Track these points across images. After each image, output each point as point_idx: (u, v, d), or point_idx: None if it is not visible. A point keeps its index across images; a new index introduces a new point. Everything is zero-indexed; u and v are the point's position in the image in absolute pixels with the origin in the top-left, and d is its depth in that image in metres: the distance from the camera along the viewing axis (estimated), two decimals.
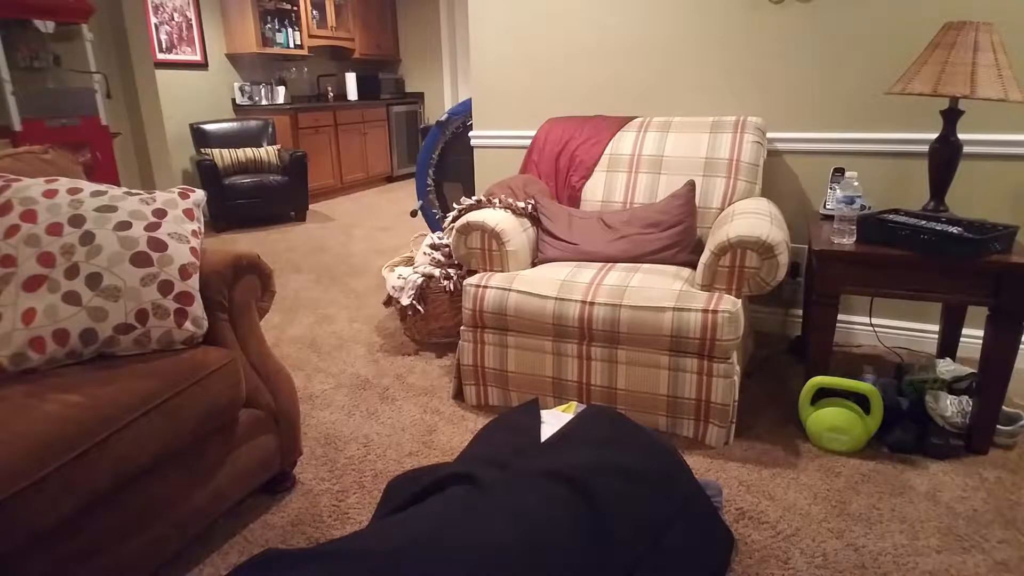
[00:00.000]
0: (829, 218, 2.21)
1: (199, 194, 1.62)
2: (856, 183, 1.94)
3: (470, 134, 3.11)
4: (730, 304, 1.81)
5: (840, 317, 2.58)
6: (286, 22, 6.09)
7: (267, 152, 5.27)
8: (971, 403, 1.89)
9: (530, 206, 2.32)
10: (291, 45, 6.17)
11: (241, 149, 5.19)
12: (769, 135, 2.55)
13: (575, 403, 1.64)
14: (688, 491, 1.35)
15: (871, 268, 1.85)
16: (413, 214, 3.88)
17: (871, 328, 2.62)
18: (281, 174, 5.23)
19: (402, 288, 2.60)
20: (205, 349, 1.48)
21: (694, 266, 2.07)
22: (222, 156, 5.06)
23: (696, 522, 1.32)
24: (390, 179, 7.40)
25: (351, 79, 6.84)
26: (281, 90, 6.11)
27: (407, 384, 2.38)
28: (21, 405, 1.19)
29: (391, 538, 1.01)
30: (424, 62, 7.55)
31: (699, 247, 2.14)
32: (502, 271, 2.14)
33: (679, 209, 2.20)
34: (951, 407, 1.89)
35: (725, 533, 1.43)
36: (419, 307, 2.57)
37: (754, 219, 1.90)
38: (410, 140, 7.45)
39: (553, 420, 1.50)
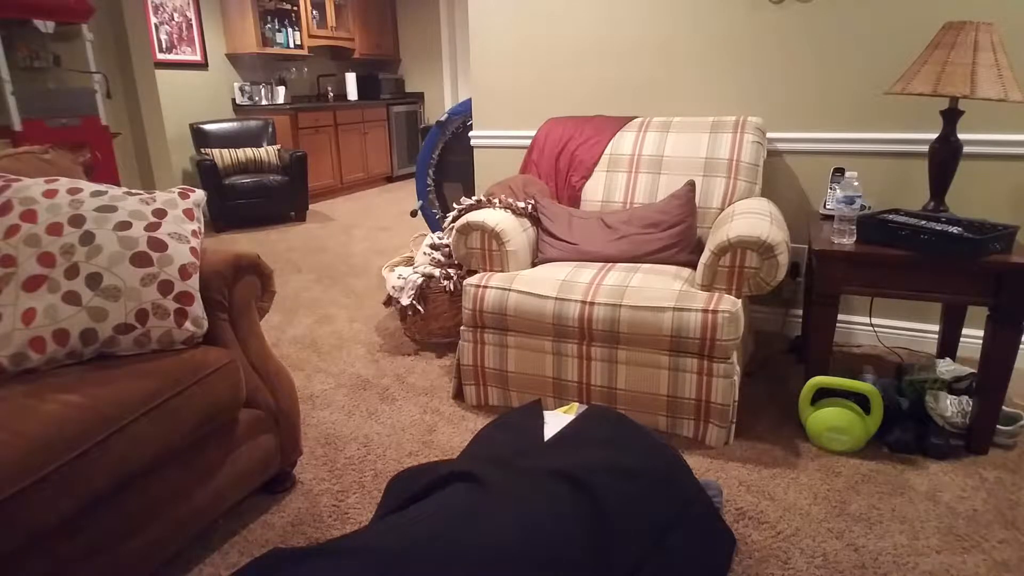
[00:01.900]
0: (829, 218, 2.22)
1: (199, 194, 1.62)
2: (856, 183, 1.94)
3: (470, 134, 3.11)
4: (730, 304, 1.81)
5: (840, 317, 2.58)
6: (286, 22, 6.09)
7: (267, 152, 5.28)
8: (971, 403, 1.89)
9: (530, 206, 2.32)
10: (291, 45, 6.17)
11: (241, 149, 5.19)
12: (769, 135, 2.55)
13: (576, 404, 1.64)
14: (689, 492, 1.35)
15: (871, 268, 1.85)
16: (413, 214, 3.88)
17: (871, 328, 2.62)
18: (281, 174, 5.23)
19: (402, 288, 2.60)
20: (205, 349, 1.48)
21: (694, 266, 2.07)
22: (222, 156, 5.06)
23: (697, 523, 1.32)
24: (390, 179, 7.40)
25: (351, 79, 6.85)
26: (281, 90, 6.12)
27: (407, 384, 2.38)
28: (21, 405, 1.19)
29: (396, 537, 1.01)
30: (424, 62, 7.55)
31: (699, 247, 2.14)
32: (502, 271, 2.14)
33: (679, 209, 2.20)
34: (951, 407, 1.89)
35: (726, 533, 1.43)
36: (419, 307, 2.57)
37: (754, 219, 1.90)
38: (410, 140, 7.45)
39: (554, 421, 1.50)
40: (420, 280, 2.58)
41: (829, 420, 1.87)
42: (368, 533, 1.05)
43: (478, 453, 1.44)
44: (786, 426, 2.03)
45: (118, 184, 3.18)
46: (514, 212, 2.25)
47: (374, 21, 7.13)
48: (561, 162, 2.56)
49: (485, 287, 2.06)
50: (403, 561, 0.95)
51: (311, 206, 5.96)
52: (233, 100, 5.90)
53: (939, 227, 1.79)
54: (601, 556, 1.09)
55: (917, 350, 2.54)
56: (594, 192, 2.49)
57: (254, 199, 5.09)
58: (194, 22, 5.39)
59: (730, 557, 1.43)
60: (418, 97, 7.63)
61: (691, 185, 2.25)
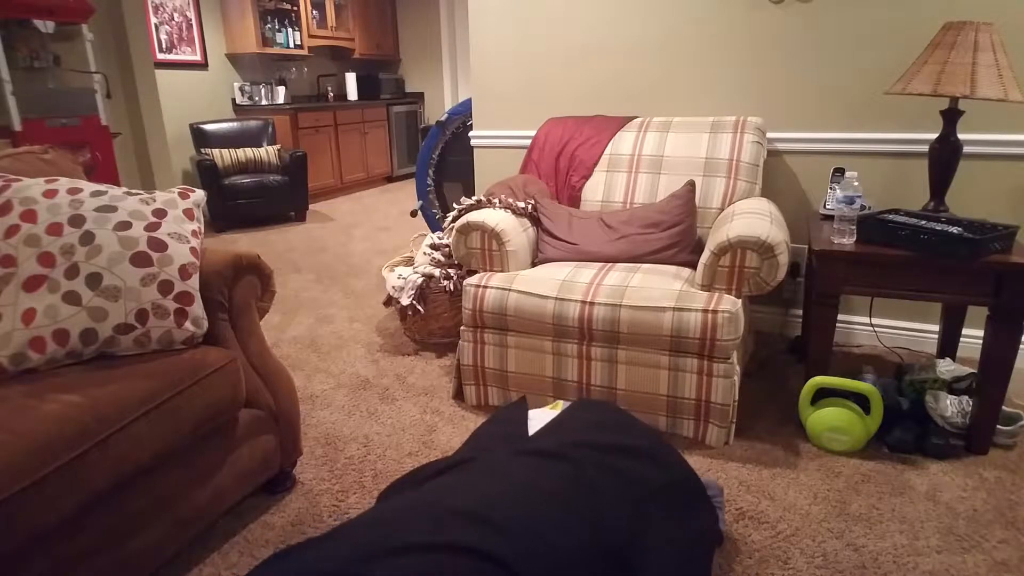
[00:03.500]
0: (829, 218, 2.21)
1: (199, 194, 1.62)
2: (856, 183, 1.94)
3: (470, 134, 3.11)
4: (730, 304, 1.81)
5: (840, 317, 2.58)
6: (286, 22, 6.09)
7: (267, 152, 5.28)
8: (971, 403, 1.89)
9: (530, 206, 2.32)
10: (291, 45, 6.17)
11: (241, 149, 5.19)
12: (769, 135, 2.55)
13: (561, 402, 1.64)
14: (673, 469, 1.35)
15: (871, 268, 1.85)
16: (413, 214, 3.88)
17: (871, 328, 2.62)
18: (281, 174, 5.23)
19: (402, 288, 2.60)
20: (205, 349, 1.48)
21: (694, 266, 2.07)
22: (222, 156, 5.07)
23: (681, 497, 1.31)
24: (390, 179, 7.40)
25: (351, 79, 6.85)
26: (281, 90, 6.11)
27: (407, 384, 2.38)
28: (21, 405, 1.19)
29: (385, 511, 1.03)
30: (424, 62, 7.55)
31: (699, 247, 2.14)
32: (502, 271, 2.14)
33: (679, 209, 2.20)
34: (951, 407, 1.89)
35: (710, 514, 1.40)
36: (419, 307, 2.57)
37: (754, 219, 1.90)
38: (410, 140, 7.45)
39: (539, 417, 1.50)
40: (420, 280, 2.58)
41: (829, 420, 1.87)
42: (359, 517, 1.05)
43: (468, 447, 1.46)
44: (786, 426, 2.03)
45: (118, 184, 3.18)
46: (514, 212, 2.25)
47: (374, 21, 7.13)
48: (561, 162, 2.56)
49: (485, 287, 2.06)
50: (388, 527, 0.95)
51: (311, 206, 5.96)
52: (233, 100, 5.90)
53: (939, 227, 1.79)
54: (582, 513, 1.09)
55: (917, 350, 2.54)
56: (594, 192, 2.49)
57: (254, 199, 5.09)
58: (194, 22, 5.39)
59: (712, 536, 1.40)
60: (418, 97, 7.63)
61: (691, 185, 2.25)
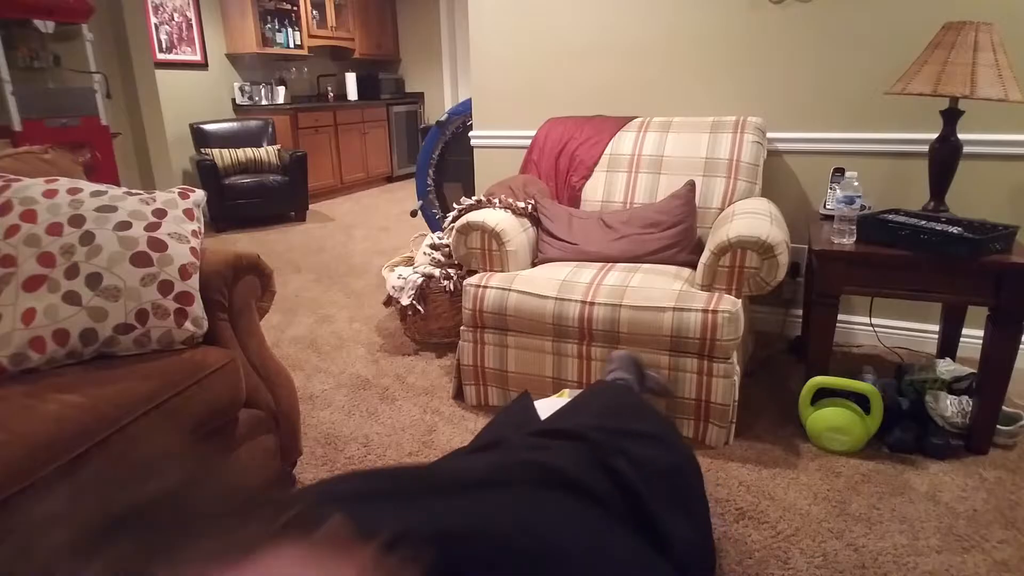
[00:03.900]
0: (829, 218, 2.21)
1: (199, 194, 1.62)
2: (856, 183, 1.94)
3: (470, 134, 3.11)
4: (730, 304, 1.81)
5: (840, 317, 2.56)
6: (286, 22, 6.09)
7: (267, 152, 5.27)
8: (971, 403, 1.89)
9: (530, 206, 2.32)
10: (291, 45, 6.17)
11: (241, 149, 5.19)
12: (769, 135, 2.55)
13: (568, 390, 1.63)
14: (679, 452, 1.36)
15: (871, 268, 1.85)
16: (413, 214, 3.88)
17: (871, 328, 2.61)
18: (281, 174, 5.23)
19: (402, 288, 2.60)
20: (205, 349, 1.48)
21: (694, 266, 2.07)
22: (222, 156, 5.06)
23: (688, 479, 1.32)
24: (390, 179, 7.40)
25: (351, 79, 6.85)
26: (281, 90, 6.11)
27: (407, 384, 2.38)
28: (21, 405, 1.19)
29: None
30: (424, 62, 7.55)
31: (699, 247, 2.14)
32: (502, 271, 2.14)
33: (679, 209, 2.20)
34: (951, 407, 1.89)
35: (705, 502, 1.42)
36: (419, 307, 2.57)
37: (754, 219, 1.90)
38: (410, 140, 7.45)
39: (549, 406, 1.50)
40: (420, 280, 2.58)
41: (829, 420, 1.87)
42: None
43: (477, 441, 1.46)
44: (786, 426, 2.03)
45: (118, 184, 3.18)
46: (514, 212, 2.25)
47: (374, 21, 7.13)
48: (561, 162, 2.56)
49: (485, 287, 2.06)
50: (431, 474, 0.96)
51: (311, 206, 5.96)
52: (233, 100, 5.90)
53: (939, 227, 1.79)
54: (610, 488, 1.09)
55: (917, 350, 2.54)
56: (594, 192, 2.48)
57: (254, 199, 5.09)
58: (194, 22, 5.39)
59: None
60: (418, 97, 7.63)
61: (691, 185, 2.25)
